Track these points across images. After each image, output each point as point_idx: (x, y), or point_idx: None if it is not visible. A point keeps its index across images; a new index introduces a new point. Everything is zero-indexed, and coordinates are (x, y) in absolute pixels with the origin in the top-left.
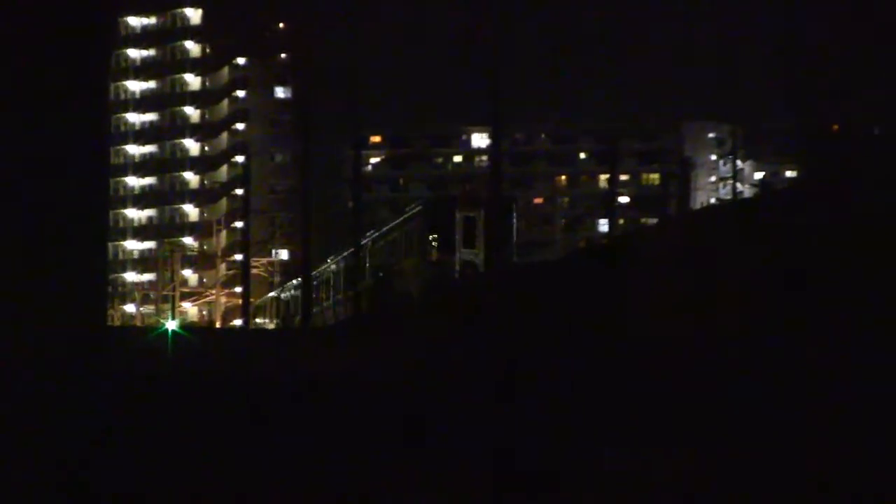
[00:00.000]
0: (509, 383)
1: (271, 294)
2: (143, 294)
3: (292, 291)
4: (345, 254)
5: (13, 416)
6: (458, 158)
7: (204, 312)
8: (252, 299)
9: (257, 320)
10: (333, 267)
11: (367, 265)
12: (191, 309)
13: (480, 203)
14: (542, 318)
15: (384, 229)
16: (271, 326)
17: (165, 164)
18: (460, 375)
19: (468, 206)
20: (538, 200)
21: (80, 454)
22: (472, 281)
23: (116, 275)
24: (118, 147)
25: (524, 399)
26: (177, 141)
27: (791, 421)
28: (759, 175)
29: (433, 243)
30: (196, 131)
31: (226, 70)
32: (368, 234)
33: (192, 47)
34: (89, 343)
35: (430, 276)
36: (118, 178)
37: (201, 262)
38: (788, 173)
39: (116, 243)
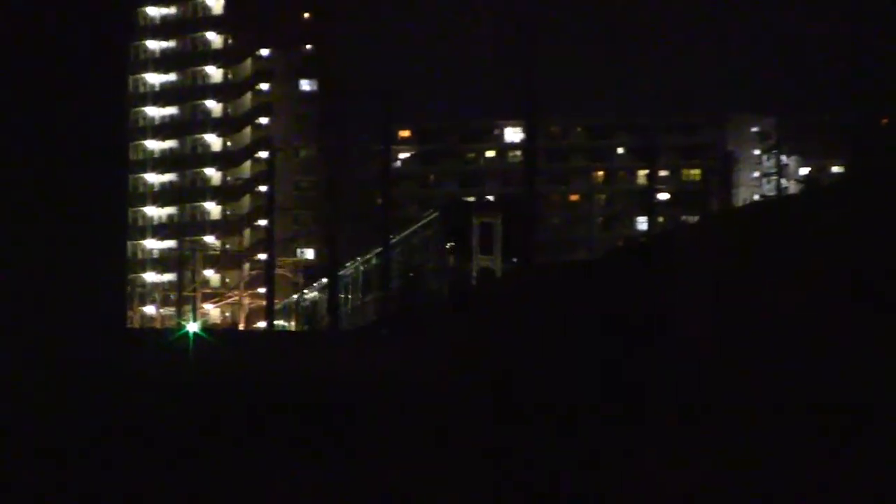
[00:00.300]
0: (550, 385)
1: (295, 296)
2: (163, 295)
3: (317, 293)
4: (372, 253)
5: (32, 417)
6: (490, 154)
7: (226, 314)
8: (276, 300)
9: (278, 322)
10: (361, 267)
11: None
12: (213, 310)
13: (498, 209)
14: (580, 319)
15: (401, 235)
16: (291, 328)
17: (186, 160)
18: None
19: (485, 211)
20: (574, 197)
21: (100, 457)
22: (507, 281)
23: (135, 275)
24: (137, 142)
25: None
26: (198, 136)
27: (853, 423)
28: (804, 170)
29: (450, 249)
30: (218, 125)
31: (249, 62)
32: (381, 246)
33: (214, 38)
34: (109, 345)
35: (452, 281)
36: (137, 175)
37: (223, 261)
38: (835, 168)
39: (135, 242)
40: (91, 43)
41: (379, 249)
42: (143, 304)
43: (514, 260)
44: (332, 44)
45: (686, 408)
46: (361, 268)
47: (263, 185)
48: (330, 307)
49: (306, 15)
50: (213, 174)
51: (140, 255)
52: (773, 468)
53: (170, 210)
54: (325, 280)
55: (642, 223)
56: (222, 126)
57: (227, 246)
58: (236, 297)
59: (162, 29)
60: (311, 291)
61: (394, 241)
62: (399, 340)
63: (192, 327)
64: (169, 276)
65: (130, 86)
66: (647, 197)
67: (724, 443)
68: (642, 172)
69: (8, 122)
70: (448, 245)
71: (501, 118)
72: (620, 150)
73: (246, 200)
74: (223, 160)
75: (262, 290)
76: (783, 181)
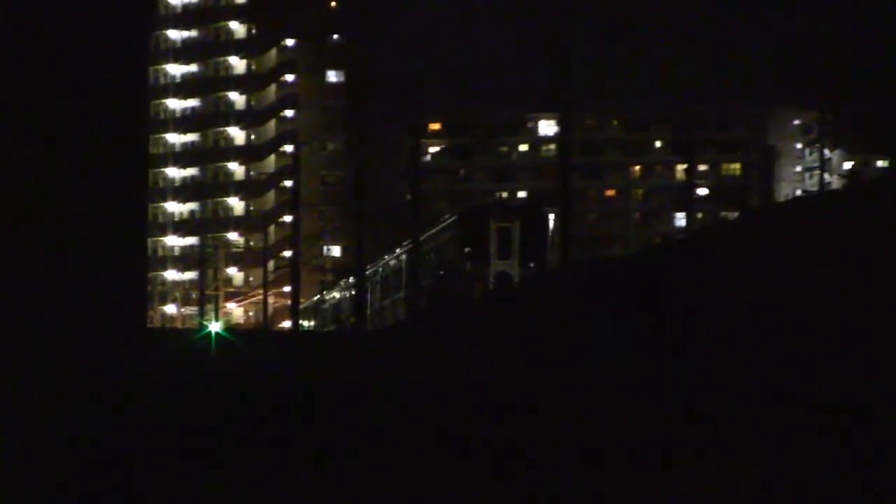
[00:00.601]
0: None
1: (317, 297)
2: (184, 294)
3: (343, 292)
4: (400, 251)
5: (50, 418)
6: (523, 147)
7: (250, 313)
8: (302, 299)
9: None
10: (386, 264)
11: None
12: (236, 310)
13: (515, 214)
14: (617, 318)
15: (420, 239)
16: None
17: (208, 154)
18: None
19: (503, 217)
20: (610, 192)
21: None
22: (541, 280)
23: (156, 273)
24: (157, 135)
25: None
26: (220, 129)
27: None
28: (848, 165)
29: (467, 254)
30: (241, 118)
31: (273, 52)
32: (404, 243)
33: (237, 28)
34: (129, 346)
35: (497, 277)
36: (157, 169)
37: (247, 259)
38: (880, 163)
39: (156, 239)
40: (110, 33)
41: (402, 249)
42: (164, 303)
43: (531, 265)
44: (360, 33)
45: (728, 406)
46: (388, 265)
47: (288, 180)
48: (357, 306)
49: (333, 3)
50: (236, 169)
51: (160, 253)
52: (822, 462)
53: (191, 206)
54: (351, 279)
55: (680, 219)
56: (246, 119)
57: (251, 243)
58: (260, 296)
59: (183, 18)
60: (336, 290)
61: (392, 256)
62: (438, 339)
63: (215, 327)
64: (190, 275)
65: (151, 77)
66: (685, 192)
67: (771, 439)
68: (680, 167)
69: (21, 115)
70: (466, 250)
71: (535, 111)
72: (658, 144)
73: (270, 196)
74: (247, 154)
75: (287, 289)
76: (826, 176)
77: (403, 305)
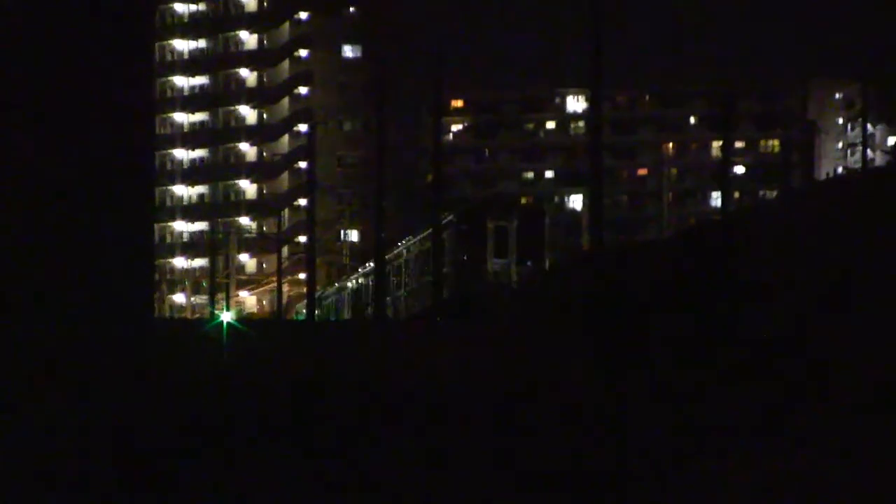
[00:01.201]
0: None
1: (334, 288)
2: (193, 282)
3: (361, 279)
4: (420, 236)
5: (55, 410)
6: (551, 125)
7: (263, 302)
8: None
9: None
10: (408, 251)
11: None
12: (248, 298)
13: (512, 213)
14: (650, 305)
15: (418, 237)
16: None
17: (218, 135)
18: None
19: (500, 215)
20: (642, 172)
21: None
22: (574, 264)
23: (164, 260)
24: (165, 115)
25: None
26: (231, 108)
27: None
28: (892, 140)
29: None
30: (253, 96)
31: (286, 26)
32: (402, 241)
33: (248, 1)
34: (134, 337)
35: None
36: (164, 151)
37: (260, 245)
38: None
39: (163, 224)
40: (115, 8)
41: (420, 236)
42: (173, 292)
43: (528, 263)
44: (378, 6)
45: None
46: (409, 250)
47: (303, 161)
48: (377, 295)
49: None
50: (247, 150)
51: (168, 239)
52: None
53: (201, 189)
54: (369, 265)
55: (716, 199)
56: (258, 97)
57: (264, 228)
58: (274, 284)
59: None
60: (353, 278)
61: (410, 242)
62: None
63: (226, 317)
64: (200, 262)
65: (157, 53)
66: (721, 170)
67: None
68: (716, 144)
69: (24, 98)
70: (463, 248)
71: (563, 86)
72: (692, 121)
73: (284, 178)
74: (259, 134)
75: (302, 276)
76: (869, 152)
77: (426, 292)
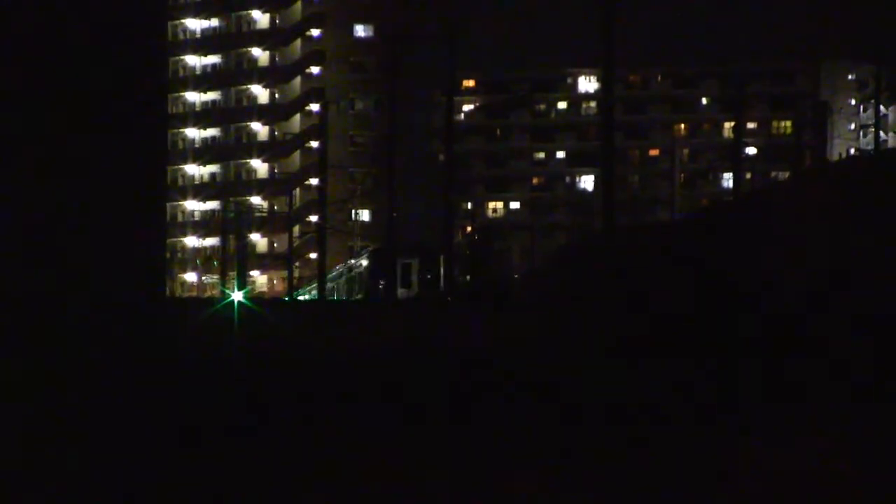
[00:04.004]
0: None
1: (341, 267)
2: (205, 261)
3: (364, 262)
4: (352, 261)
5: (67, 396)
6: (562, 105)
7: (275, 281)
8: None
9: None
10: (340, 275)
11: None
12: (259, 278)
13: (417, 251)
14: (664, 283)
15: (351, 263)
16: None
17: (230, 114)
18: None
19: (406, 253)
20: (654, 152)
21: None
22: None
23: (175, 239)
24: (176, 94)
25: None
26: (243, 87)
27: None
28: None
29: (379, 284)
30: (265, 76)
31: (298, 5)
32: (341, 265)
33: None
34: (145, 317)
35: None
36: (176, 130)
37: (271, 224)
38: None
39: (175, 203)
40: None
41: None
42: (184, 270)
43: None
44: None
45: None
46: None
47: (315, 140)
48: (388, 274)
49: None
50: (259, 129)
51: (180, 218)
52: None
53: (212, 168)
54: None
55: (728, 180)
56: (269, 76)
57: (276, 207)
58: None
59: None
60: (362, 259)
61: (347, 267)
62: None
63: (237, 296)
64: (211, 241)
65: (169, 32)
66: (733, 151)
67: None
68: (728, 125)
69: (30, 73)
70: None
71: (575, 66)
72: (705, 101)
73: (296, 158)
74: (271, 113)
75: (314, 255)
76: (882, 134)
77: None
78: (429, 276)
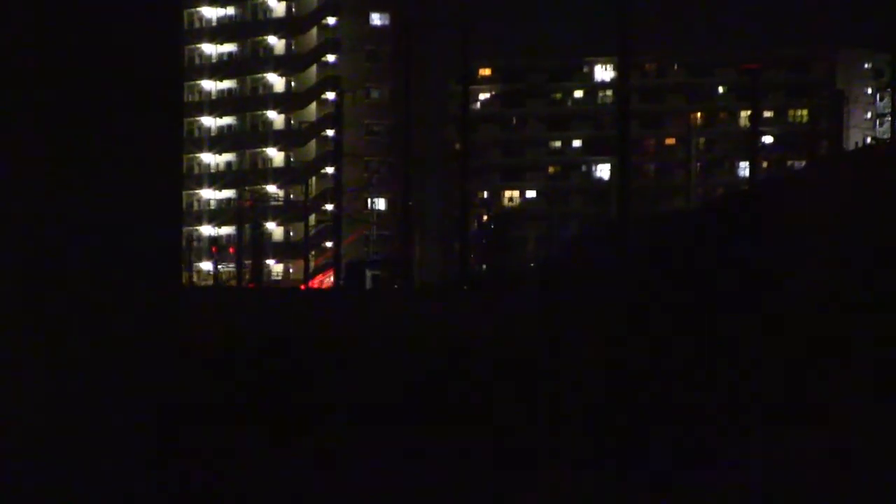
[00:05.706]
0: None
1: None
2: (220, 250)
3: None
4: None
5: (76, 392)
6: (578, 94)
7: (291, 270)
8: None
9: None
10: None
11: None
12: (275, 266)
13: (386, 264)
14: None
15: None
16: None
17: (246, 102)
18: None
19: (374, 266)
20: (670, 141)
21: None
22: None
23: (191, 228)
24: (192, 83)
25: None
26: (259, 75)
27: None
28: None
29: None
30: (281, 64)
31: None
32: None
33: None
34: (161, 308)
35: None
36: (192, 118)
37: (287, 213)
38: None
39: (190, 192)
40: None
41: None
42: (200, 259)
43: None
44: None
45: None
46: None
47: (330, 129)
48: (405, 262)
49: None
50: (275, 117)
51: (196, 207)
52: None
53: (228, 157)
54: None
55: (745, 169)
56: (285, 64)
57: (291, 196)
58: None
59: None
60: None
61: None
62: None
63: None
64: (227, 230)
65: (185, 21)
66: (750, 140)
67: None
68: (745, 113)
69: (42, 61)
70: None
71: (591, 54)
72: (721, 90)
73: (312, 146)
74: (286, 102)
75: (329, 244)
76: None
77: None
78: (395, 287)
